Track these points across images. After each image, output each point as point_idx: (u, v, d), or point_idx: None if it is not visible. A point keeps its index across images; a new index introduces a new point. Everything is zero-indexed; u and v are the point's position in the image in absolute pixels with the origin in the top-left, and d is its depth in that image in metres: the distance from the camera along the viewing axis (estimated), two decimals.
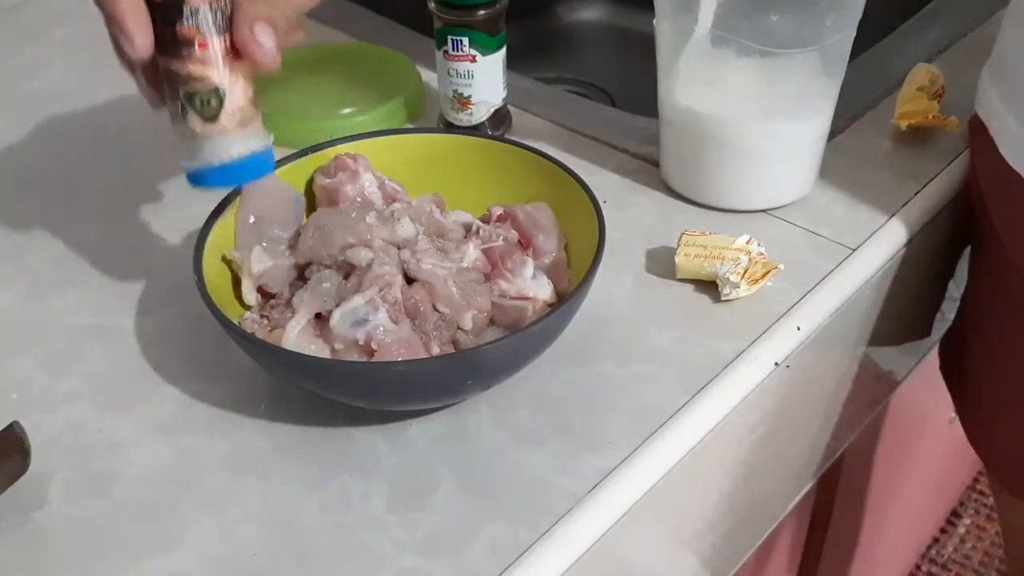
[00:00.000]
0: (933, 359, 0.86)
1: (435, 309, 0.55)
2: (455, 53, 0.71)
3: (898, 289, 0.70)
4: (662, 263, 0.64)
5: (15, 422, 0.51)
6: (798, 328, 0.60)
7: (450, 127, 0.75)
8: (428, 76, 0.81)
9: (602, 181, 0.72)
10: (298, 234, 0.60)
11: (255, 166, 0.56)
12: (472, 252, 0.58)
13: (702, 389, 0.56)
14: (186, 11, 0.51)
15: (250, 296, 0.58)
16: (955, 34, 0.87)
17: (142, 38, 0.51)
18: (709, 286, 0.63)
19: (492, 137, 0.73)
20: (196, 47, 0.52)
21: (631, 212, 0.69)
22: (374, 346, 0.52)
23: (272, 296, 0.59)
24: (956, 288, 0.82)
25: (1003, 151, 0.66)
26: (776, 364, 0.59)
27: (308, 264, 0.58)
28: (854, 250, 0.66)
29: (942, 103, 0.76)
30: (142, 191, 0.73)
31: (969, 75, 0.74)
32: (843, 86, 0.67)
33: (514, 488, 0.52)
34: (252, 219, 0.59)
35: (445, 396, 0.55)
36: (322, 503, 0.51)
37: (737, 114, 0.65)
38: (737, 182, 0.68)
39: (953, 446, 1.18)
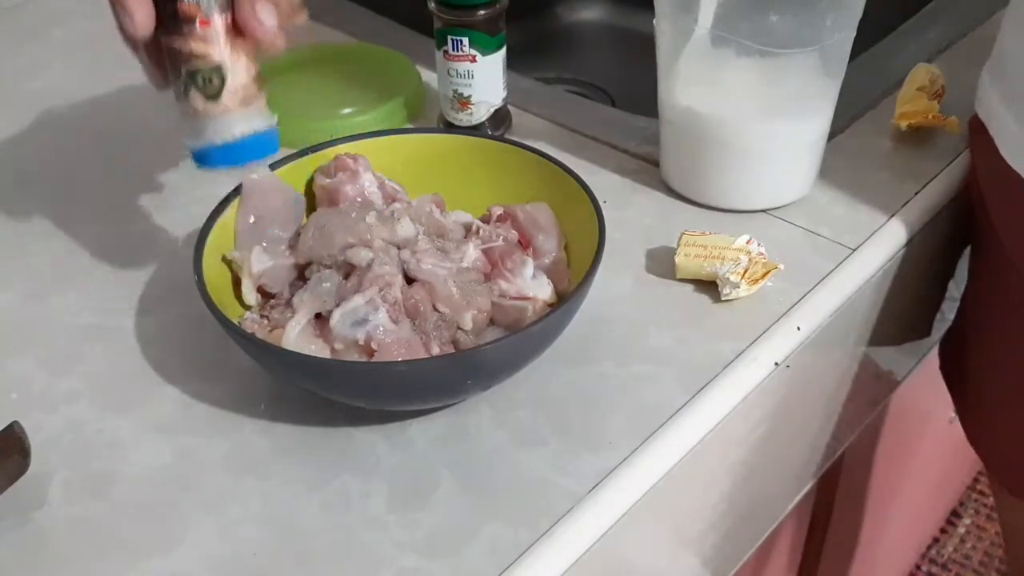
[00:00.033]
0: (933, 359, 0.86)
1: (435, 309, 0.55)
2: (455, 53, 0.71)
3: (898, 289, 0.70)
4: (662, 263, 0.64)
5: (15, 422, 0.51)
6: (798, 328, 0.60)
7: (450, 127, 0.75)
8: (428, 76, 0.81)
9: (602, 181, 0.72)
10: (298, 234, 0.60)
11: (259, 146, 0.56)
12: (472, 252, 0.58)
13: (702, 389, 0.56)
14: None
15: (250, 296, 0.58)
16: (955, 34, 0.87)
17: (143, 15, 0.51)
18: (709, 286, 0.63)
19: (492, 137, 0.73)
20: (198, 24, 0.52)
21: (631, 212, 0.69)
22: (374, 346, 0.52)
23: (272, 296, 0.59)
24: (956, 288, 0.82)
25: (1003, 151, 0.66)
26: (776, 364, 0.59)
27: (308, 264, 0.58)
28: (854, 250, 0.66)
29: (942, 103, 0.76)
30: (142, 191, 0.73)
31: (969, 75, 0.74)
32: (843, 86, 0.67)
33: (514, 488, 0.52)
34: (252, 219, 0.59)
35: (445, 396, 0.55)
36: (322, 503, 0.51)
37: (737, 114, 0.65)
38: (737, 182, 0.68)
39: (953, 446, 1.18)
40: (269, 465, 0.53)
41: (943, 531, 1.62)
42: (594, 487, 0.51)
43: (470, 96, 0.73)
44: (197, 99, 0.54)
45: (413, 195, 0.63)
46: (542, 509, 0.50)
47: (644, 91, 0.77)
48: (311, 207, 0.63)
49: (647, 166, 0.73)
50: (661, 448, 0.53)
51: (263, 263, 0.58)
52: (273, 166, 0.61)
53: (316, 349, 0.53)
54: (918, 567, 1.58)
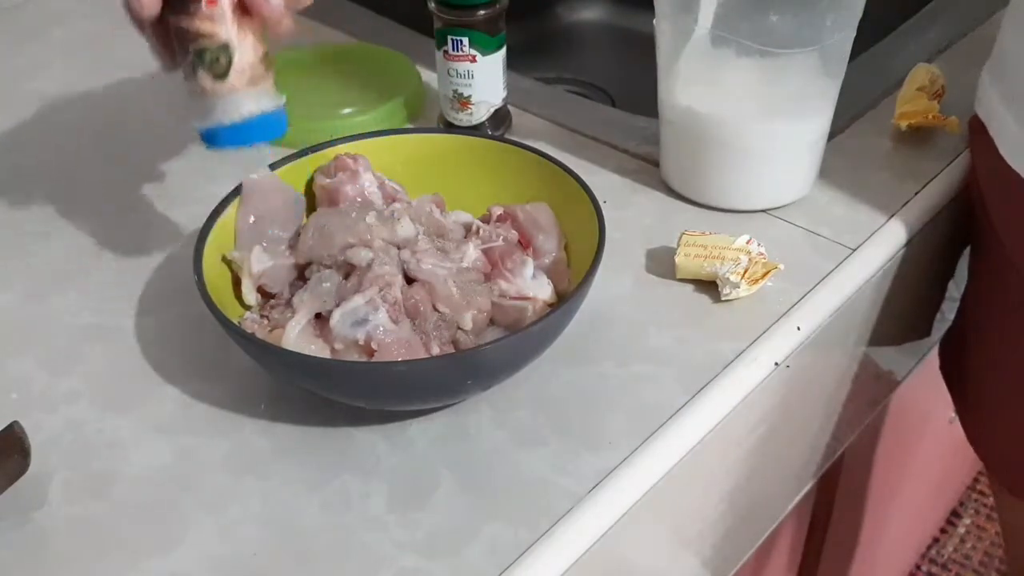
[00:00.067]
0: (933, 359, 0.86)
1: (435, 309, 0.55)
2: (455, 53, 0.71)
3: (898, 289, 0.70)
4: (662, 263, 0.64)
5: (15, 422, 0.51)
6: (798, 328, 0.60)
7: (450, 127, 0.75)
8: (428, 76, 0.81)
9: (602, 181, 0.72)
10: (298, 234, 0.60)
11: (266, 126, 0.56)
12: (472, 252, 0.58)
13: (702, 389, 0.56)
14: None
15: (250, 296, 0.58)
16: (955, 34, 0.87)
17: None
18: (709, 286, 0.63)
19: (492, 137, 0.73)
20: (204, 3, 0.52)
21: (631, 212, 0.69)
22: (374, 346, 0.52)
23: (272, 296, 0.59)
24: (956, 288, 0.82)
25: (1003, 151, 0.66)
26: (776, 364, 0.59)
27: (308, 264, 0.58)
28: (854, 250, 0.66)
29: (942, 103, 0.76)
30: (142, 191, 0.73)
31: (969, 75, 0.74)
32: (843, 86, 0.67)
33: (514, 488, 0.52)
34: (252, 219, 0.59)
35: (445, 396, 0.55)
36: (322, 503, 0.51)
37: (737, 114, 0.65)
38: (737, 182, 0.68)
39: (953, 446, 1.18)
40: (269, 465, 0.53)
41: (943, 531, 1.62)
42: (594, 487, 0.51)
43: (470, 96, 0.73)
44: (204, 78, 0.54)
45: (413, 195, 0.63)
46: (542, 509, 0.50)
47: (644, 91, 0.77)
48: (311, 207, 0.63)
49: (647, 166, 0.73)
50: (661, 448, 0.53)
51: (263, 263, 0.58)
52: (273, 166, 0.62)
53: (316, 349, 0.53)
54: (918, 567, 1.58)
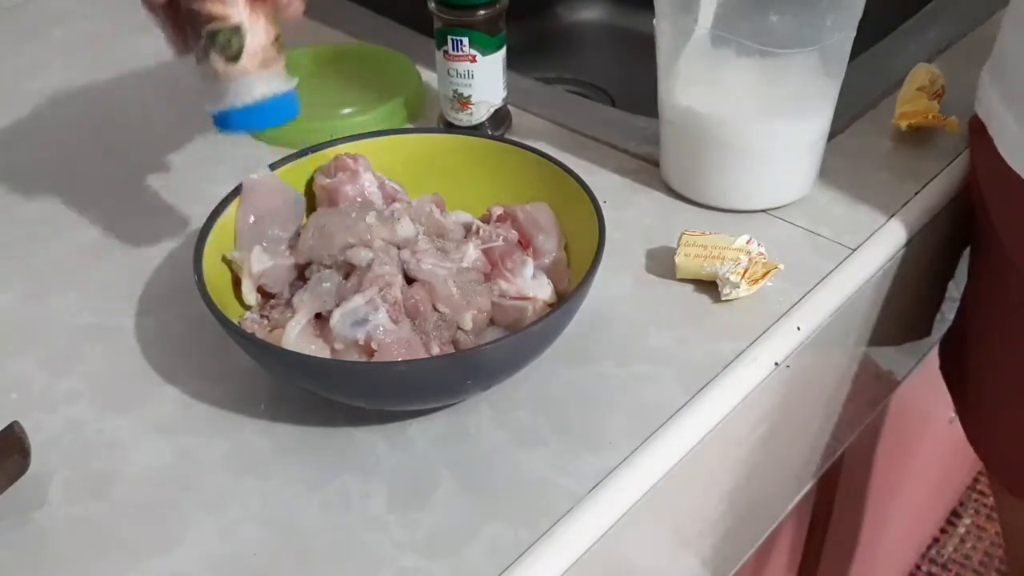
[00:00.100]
0: (933, 359, 0.86)
1: (435, 309, 0.55)
2: (455, 53, 0.71)
3: (898, 289, 0.70)
4: (662, 263, 0.64)
5: (15, 422, 0.51)
6: (798, 328, 0.60)
7: (450, 127, 0.75)
8: (428, 76, 0.81)
9: (602, 181, 0.72)
10: (298, 234, 0.60)
11: (279, 108, 0.56)
12: (472, 252, 0.58)
13: (702, 389, 0.56)
14: None
15: (250, 296, 0.58)
16: (955, 34, 0.87)
17: None
18: (709, 286, 0.63)
19: (492, 137, 0.73)
20: None
21: (631, 212, 0.69)
22: (374, 346, 0.52)
23: (272, 296, 0.59)
24: (956, 288, 0.82)
25: (1002, 151, 0.66)
26: (776, 364, 0.59)
27: (308, 264, 0.58)
28: (854, 250, 0.66)
29: (942, 103, 0.76)
30: (142, 191, 0.73)
31: (969, 75, 0.74)
32: (843, 86, 0.67)
33: (514, 488, 0.51)
34: (252, 219, 0.59)
35: (445, 396, 0.55)
36: (322, 503, 0.51)
37: (737, 114, 0.65)
38: (737, 182, 0.68)
39: (953, 446, 1.18)
40: (269, 465, 0.53)
41: (943, 531, 1.62)
42: (594, 487, 0.51)
43: (470, 96, 0.73)
44: (217, 61, 0.54)
45: (413, 195, 0.63)
46: (542, 509, 0.50)
47: (644, 91, 0.77)
48: (311, 207, 0.63)
49: (647, 166, 0.73)
50: (661, 448, 0.53)
51: (263, 263, 0.58)
52: (273, 166, 0.62)
53: (316, 349, 0.53)
54: (918, 567, 1.58)
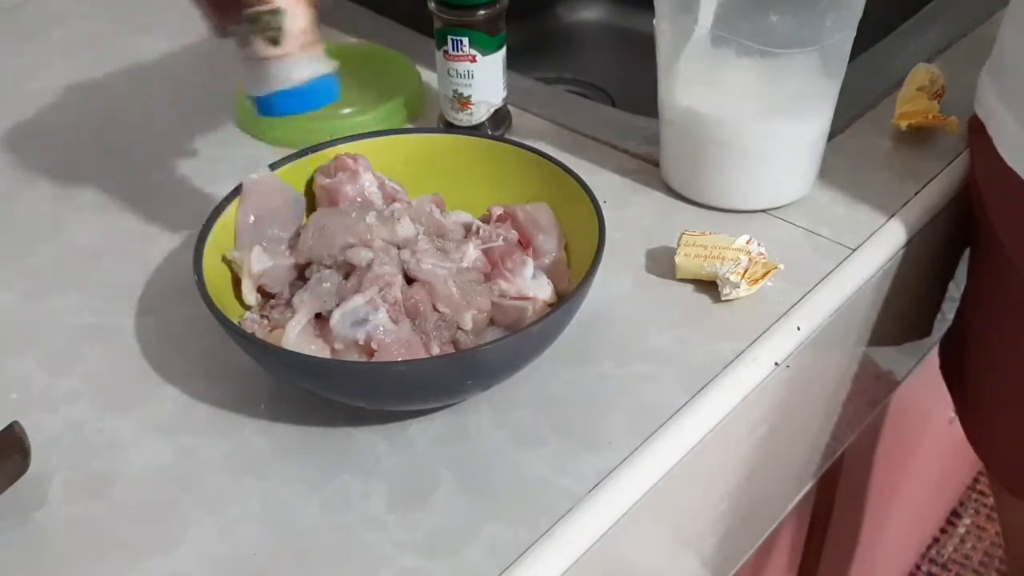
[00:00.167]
0: (933, 359, 0.86)
1: (435, 309, 0.55)
2: (455, 53, 0.71)
3: (898, 289, 0.70)
4: (662, 263, 0.64)
5: (15, 422, 0.51)
6: (798, 328, 0.60)
7: (450, 127, 0.75)
8: (428, 76, 0.81)
9: (602, 181, 0.72)
10: (298, 234, 0.60)
11: (320, 92, 0.56)
12: (472, 252, 0.58)
13: (702, 389, 0.56)
14: None
15: (250, 296, 0.58)
16: (955, 34, 0.87)
17: None
18: (709, 286, 0.63)
19: (492, 137, 0.73)
20: None
21: (631, 212, 0.69)
22: (374, 346, 0.52)
23: (272, 296, 0.59)
24: (956, 288, 0.82)
25: (1001, 151, 0.66)
26: (776, 364, 0.59)
27: (308, 264, 0.58)
28: (854, 250, 0.66)
29: (942, 103, 0.76)
30: (142, 191, 0.73)
31: (969, 75, 0.74)
32: (843, 86, 0.67)
33: (514, 488, 0.51)
34: (252, 219, 0.59)
35: (445, 396, 0.55)
36: (322, 503, 0.51)
37: (737, 114, 0.65)
38: (737, 182, 0.68)
39: (953, 446, 1.18)
40: (269, 465, 0.53)
41: (943, 531, 1.62)
42: (594, 487, 0.51)
43: (470, 96, 0.73)
44: (259, 45, 0.54)
45: (413, 195, 0.63)
46: (542, 509, 0.50)
47: (644, 91, 0.77)
48: (311, 207, 0.63)
49: (647, 166, 0.73)
50: (661, 448, 0.53)
51: (263, 263, 0.58)
52: (273, 166, 0.62)
53: (316, 349, 0.53)
54: (918, 567, 1.58)
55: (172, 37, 0.90)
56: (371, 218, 0.57)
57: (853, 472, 0.98)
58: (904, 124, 0.75)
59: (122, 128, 0.80)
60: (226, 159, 0.75)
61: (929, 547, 1.60)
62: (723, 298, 0.62)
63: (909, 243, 0.68)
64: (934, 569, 1.58)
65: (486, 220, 0.62)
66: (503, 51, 0.73)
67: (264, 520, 0.50)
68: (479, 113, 0.74)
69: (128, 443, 0.54)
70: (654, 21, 0.67)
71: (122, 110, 0.82)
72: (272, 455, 0.54)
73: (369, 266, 0.55)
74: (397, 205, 0.60)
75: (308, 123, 0.74)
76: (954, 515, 1.64)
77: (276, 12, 0.53)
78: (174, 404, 0.57)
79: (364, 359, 0.52)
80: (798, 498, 0.76)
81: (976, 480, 1.67)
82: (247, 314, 0.57)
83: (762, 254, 0.62)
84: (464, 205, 0.63)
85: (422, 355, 0.53)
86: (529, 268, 0.58)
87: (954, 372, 0.83)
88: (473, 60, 0.72)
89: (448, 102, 0.74)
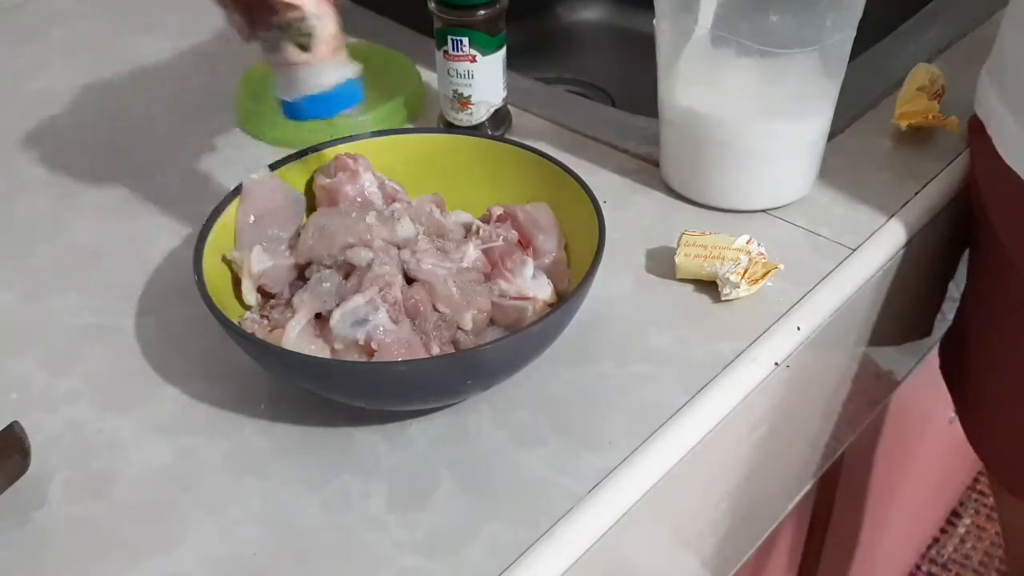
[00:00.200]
0: (933, 359, 0.86)
1: (435, 309, 0.55)
2: (455, 53, 0.71)
3: (898, 289, 0.70)
4: (662, 263, 0.64)
5: (15, 422, 0.51)
6: (798, 328, 0.60)
7: (450, 127, 0.75)
8: (428, 76, 0.81)
9: (602, 181, 0.72)
10: (298, 234, 0.60)
11: (346, 95, 0.57)
12: (472, 252, 0.58)
13: (702, 389, 0.56)
14: None
15: (250, 296, 0.58)
16: (955, 34, 0.87)
17: None
18: (709, 286, 0.63)
19: (492, 137, 0.73)
20: None
21: (631, 212, 0.69)
22: (374, 346, 0.52)
23: (272, 296, 0.59)
24: (956, 288, 0.82)
25: (1001, 151, 0.66)
26: (776, 364, 0.59)
27: (308, 264, 0.58)
28: (854, 250, 0.66)
29: (942, 103, 0.76)
30: (142, 191, 0.73)
31: (969, 75, 0.74)
32: (843, 86, 0.67)
33: (514, 488, 0.51)
34: (252, 219, 0.59)
35: (445, 396, 0.55)
36: (322, 503, 0.51)
37: (737, 114, 0.65)
38: (737, 182, 0.68)
39: (953, 446, 1.18)
40: (269, 465, 0.53)
41: (943, 531, 1.62)
42: (594, 487, 0.51)
43: (470, 96, 0.73)
44: (290, 51, 0.54)
45: (413, 195, 0.63)
46: (542, 509, 0.50)
47: (644, 91, 0.77)
48: (311, 207, 0.63)
49: (647, 166, 0.73)
50: (661, 448, 0.53)
51: (263, 263, 0.58)
52: (273, 166, 0.62)
53: (316, 349, 0.53)
54: (918, 567, 1.58)
55: (172, 37, 0.90)
56: (371, 218, 0.57)
57: (853, 472, 0.98)
58: (904, 124, 0.75)
59: (122, 128, 0.80)
60: (226, 159, 0.75)
61: (929, 547, 1.60)
62: (723, 298, 0.62)
63: (909, 243, 0.68)
64: (934, 569, 1.58)
65: (486, 220, 0.62)
66: (503, 51, 0.73)
67: (264, 520, 0.50)
68: (479, 113, 0.74)
69: (128, 443, 0.54)
70: (654, 21, 0.67)
71: (122, 110, 0.82)
72: (272, 455, 0.54)
73: (369, 266, 0.55)
74: (397, 205, 0.60)
75: (308, 123, 0.74)
76: (954, 515, 1.64)
77: (308, 18, 0.53)
78: (174, 404, 0.57)
79: (364, 359, 0.52)
80: (798, 498, 0.76)
81: (976, 480, 1.67)
82: (247, 314, 0.57)
83: (762, 254, 0.62)
84: (464, 205, 0.63)
85: (422, 355, 0.53)
86: (529, 268, 0.58)
87: (954, 372, 0.83)
88: (473, 60, 0.72)
89: (448, 102, 0.74)
